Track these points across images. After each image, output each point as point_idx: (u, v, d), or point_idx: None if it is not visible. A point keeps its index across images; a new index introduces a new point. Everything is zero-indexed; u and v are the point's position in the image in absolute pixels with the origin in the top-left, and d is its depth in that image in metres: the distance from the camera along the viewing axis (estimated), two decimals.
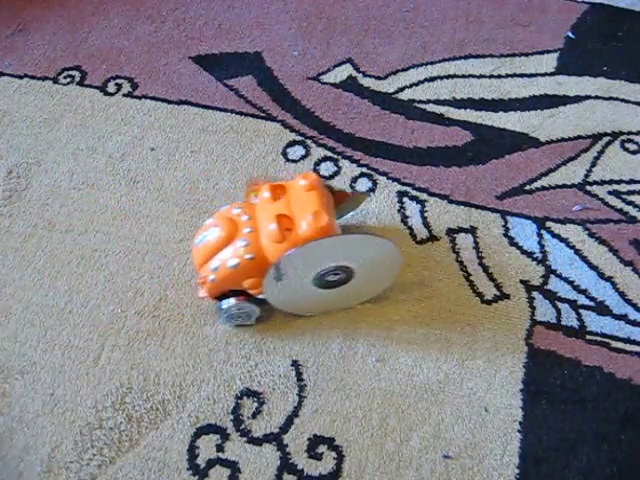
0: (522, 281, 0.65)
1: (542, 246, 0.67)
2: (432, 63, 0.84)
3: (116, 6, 0.90)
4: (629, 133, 0.76)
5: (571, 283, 0.65)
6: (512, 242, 0.68)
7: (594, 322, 0.62)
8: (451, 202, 0.71)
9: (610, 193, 0.72)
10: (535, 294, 0.64)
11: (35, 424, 0.57)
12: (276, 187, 0.58)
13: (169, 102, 0.79)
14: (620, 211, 0.70)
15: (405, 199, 0.71)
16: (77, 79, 0.81)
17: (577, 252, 0.67)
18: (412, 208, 0.70)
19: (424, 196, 0.71)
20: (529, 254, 0.67)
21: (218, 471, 0.55)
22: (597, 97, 0.80)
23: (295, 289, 0.58)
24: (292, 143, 0.76)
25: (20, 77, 0.82)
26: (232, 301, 0.58)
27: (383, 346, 0.61)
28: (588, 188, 0.72)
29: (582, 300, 0.64)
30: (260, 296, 0.58)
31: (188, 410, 0.57)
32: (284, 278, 0.56)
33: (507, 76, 0.82)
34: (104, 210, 0.70)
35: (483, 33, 0.87)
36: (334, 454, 0.55)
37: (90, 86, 0.81)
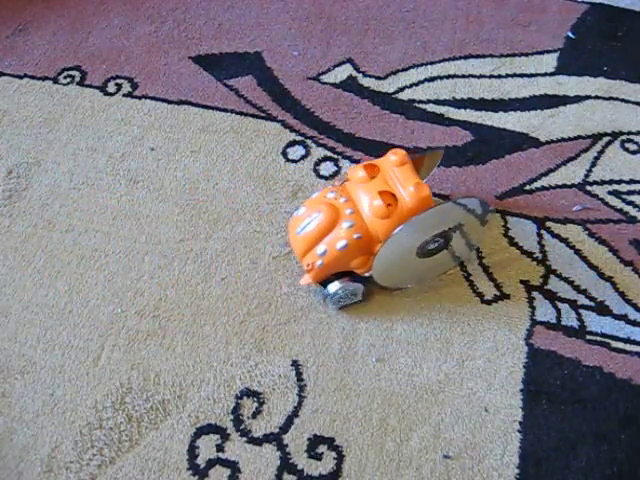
0: (522, 281, 0.65)
1: (542, 246, 0.67)
2: (432, 63, 0.84)
3: (116, 6, 0.90)
4: (629, 133, 0.76)
5: (571, 283, 0.65)
6: (512, 242, 0.68)
7: (594, 322, 0.62)
8: None
9: (610, 193, 0.71)
10: (535, 294, 0.64)
11: (35, 424, 0.57)
12: (369, 166, 0.60)
13: (169, 102, 0.79)
14: (620, 211, 0.70)
15: None
16: (77, 79, 0.81)
17: (577, 252, 0.67)
18: None
19: None
20: (529, 254, 0.67)
21: (218, 471, 0.55)
22: (597, 97, 0.80)
23: (401, 263, 0.59)
24: (292, 143, 0.76)
25: (20, 77, 0.82)
26: (337, 284, 0.60)
27: (383, 346, 0.61)
28: (588, 188, 0.72)
29: (582, 300, 0.64)
30: (367, 274, 0.60)
31: (188, 410, 0.57)
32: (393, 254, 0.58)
33: (507, 76, 0.82)
34: (104, 210, 0.70)
35: (483, 33, 0.87)
36: (334, 454, 0.55)
37: (90, 86, 0.81)
